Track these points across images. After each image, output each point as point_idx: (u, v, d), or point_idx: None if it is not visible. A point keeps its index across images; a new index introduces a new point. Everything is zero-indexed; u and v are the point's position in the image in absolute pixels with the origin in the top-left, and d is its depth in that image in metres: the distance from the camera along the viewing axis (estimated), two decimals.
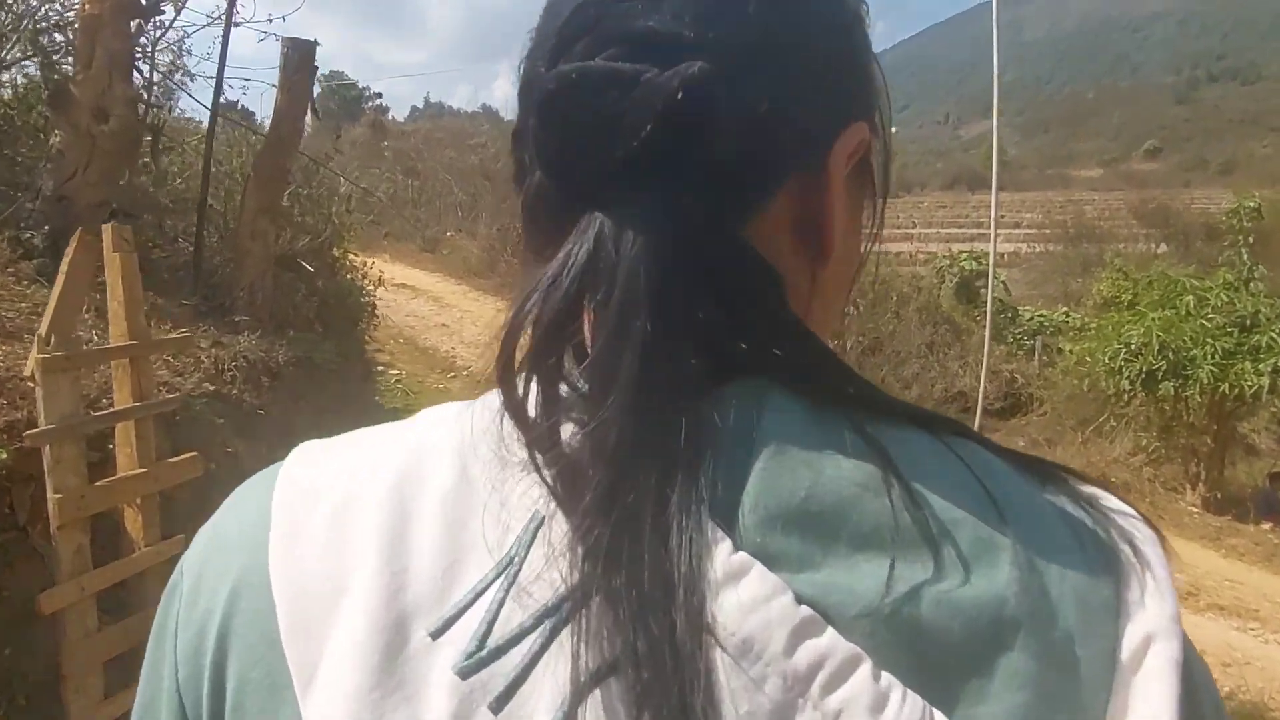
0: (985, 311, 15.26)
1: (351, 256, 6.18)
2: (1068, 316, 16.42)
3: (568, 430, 0.35)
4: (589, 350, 0.36)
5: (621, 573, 0.31)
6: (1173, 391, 9.42)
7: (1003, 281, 16.49)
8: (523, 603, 0.32)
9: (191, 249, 3.57)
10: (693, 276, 0.35)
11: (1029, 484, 0.38)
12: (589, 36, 0.37)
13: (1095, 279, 16.85)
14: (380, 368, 13.85)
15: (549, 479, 0.34)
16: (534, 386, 0.37)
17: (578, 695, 0.30)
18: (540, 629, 0.32)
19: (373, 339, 15.42)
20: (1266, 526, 9.18)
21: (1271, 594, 7.85)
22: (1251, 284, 12.23)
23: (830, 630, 0.31)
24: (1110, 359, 9.82)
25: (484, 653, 0.32)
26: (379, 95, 41.19)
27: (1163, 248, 24.07)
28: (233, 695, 0.36)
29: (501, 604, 0.33)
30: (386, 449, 0.40)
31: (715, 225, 0.36)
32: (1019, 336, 14.66)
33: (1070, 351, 12.82)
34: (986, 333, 5.33)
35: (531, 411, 0.36)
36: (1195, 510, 9.71)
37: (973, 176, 74.40)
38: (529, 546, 0.34)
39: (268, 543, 0.37)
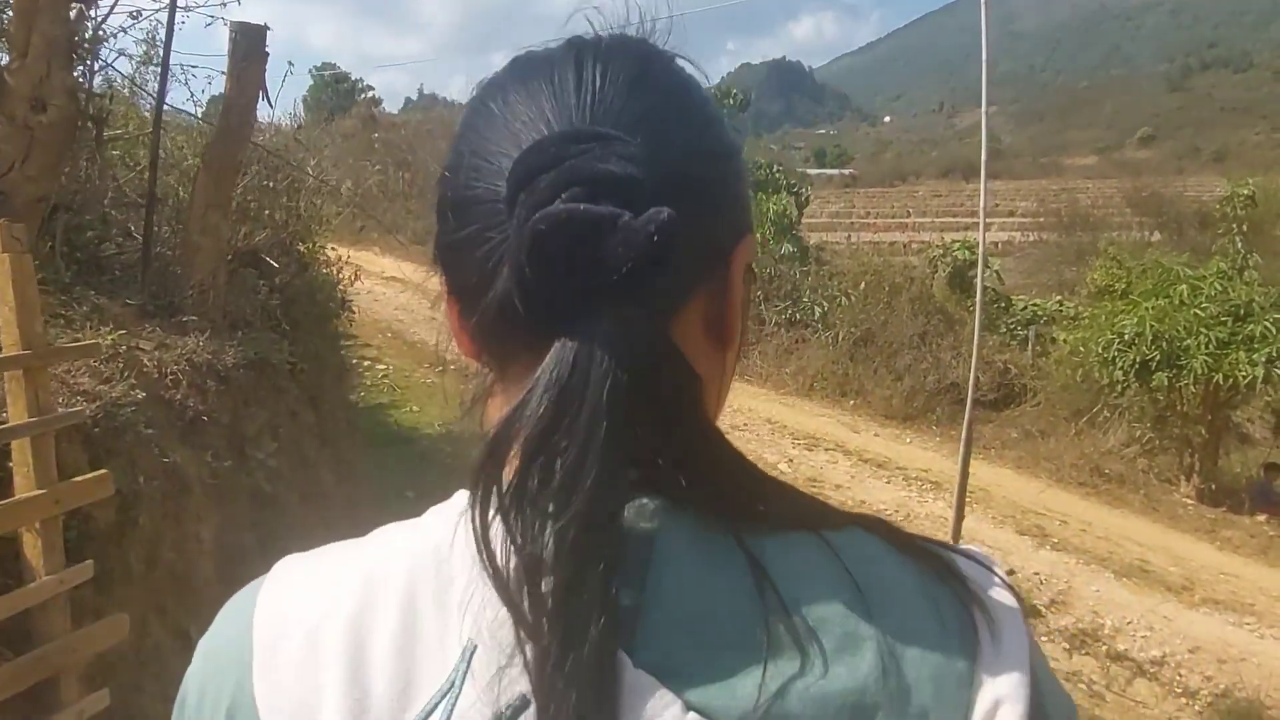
0: (972, 302, 15.15)
1: (328, 250, 5.95)
2: (1061, 306, 16.29)
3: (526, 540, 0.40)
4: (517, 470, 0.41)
5: (556, 702, 0.37)
6: (1166, 382, 9.30)
7: (996, 271, 16.33)
8: (461, 708, 0.40)
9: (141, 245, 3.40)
10: (637, 392, 0.41)
11: (905, 570, 0.44)
12: (553, 173, 0.41)
13: (1089, 267, 16.73)
14: (368, 362, 13.70)
15: (515, 601, 0.39)
16: (508, 513, 0.41)
17: None
18: None
19: (357, 333, 15.24)
20: (1262, 518, 9.07)
21: (1268, 588, 7.74)
22: (1245, 272, 12.11)
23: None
24: (1104, 349, 9.69)
25: None
26: (371, 88, 40.94)
27: (1156, 236, 23.93)
28: None
29: (453, 708, 0.40)
30: (348, 576, 0.47)
31: (653, 334, 0.43)
32: (1012, 326, 14.51)
33: (1064, 341, 12.70)
34: (976, 323, 5.16)
35: (489, 535, 0.41)
36: (1190, 502, 9.60)
37: (967, 165, 74.04)
38: (465, 675, 0.41)
39: (251, 665, 0.45)
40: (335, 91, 41.14)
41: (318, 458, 3.91)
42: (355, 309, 11.42)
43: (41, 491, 2.14)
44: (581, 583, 0.39)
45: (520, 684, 0.39)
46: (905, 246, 23.17)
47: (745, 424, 11.31)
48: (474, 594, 0.41)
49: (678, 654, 0.40)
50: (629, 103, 0.46)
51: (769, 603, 0.40)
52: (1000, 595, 0.44)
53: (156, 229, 3.39)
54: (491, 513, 0.42)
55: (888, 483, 9.67)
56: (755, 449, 10.25)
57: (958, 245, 16.63)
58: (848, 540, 0.44)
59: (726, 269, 0.49)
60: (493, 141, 0.47)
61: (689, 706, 0.39)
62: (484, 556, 0.40)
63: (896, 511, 8.94)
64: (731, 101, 18.82)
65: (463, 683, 0.40)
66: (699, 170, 0.47)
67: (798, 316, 13.84)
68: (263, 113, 4.43)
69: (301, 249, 5.18)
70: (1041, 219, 28.20)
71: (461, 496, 0.49)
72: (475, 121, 0.49)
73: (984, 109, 5.13)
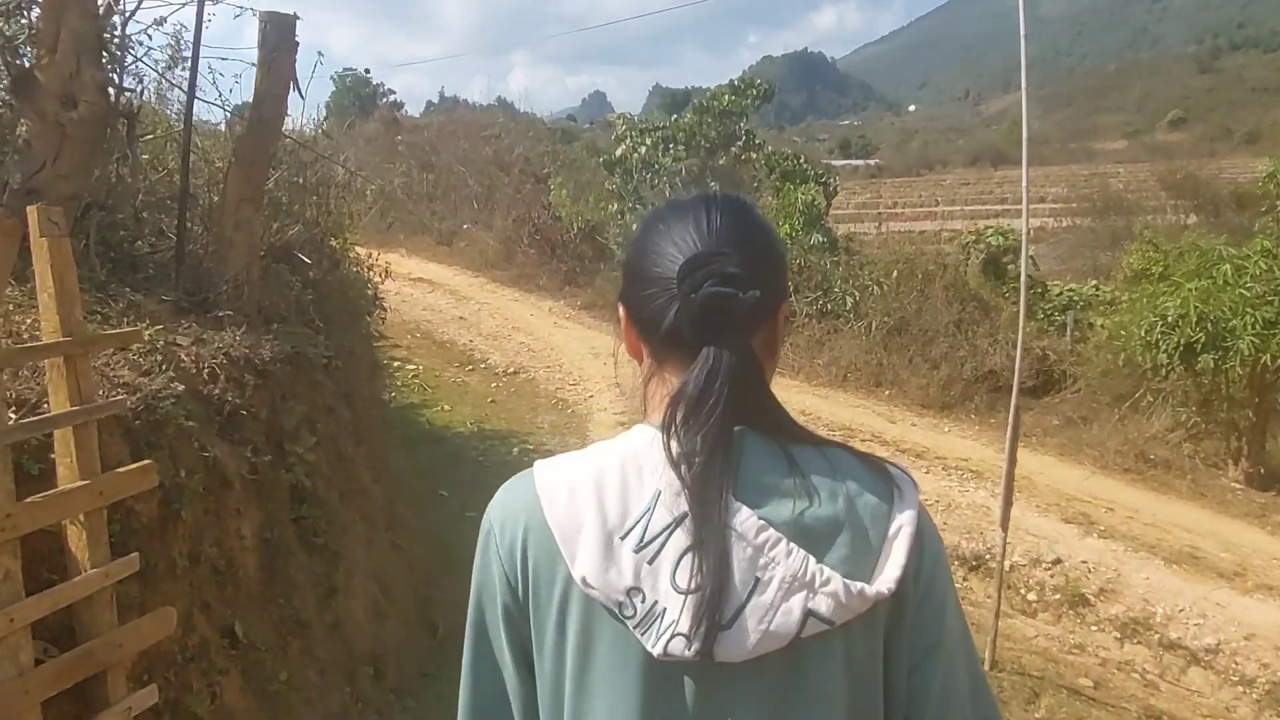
0: (1014, 288, 14.86)
1: (357, 249, 5.90)
2: (1098, 290, 15.97)
3: (681, 451, 0.91)
4: (689, 406, 0.92)
5: (700, 511, 0.87)
6: (1212, 364, 9.03)
7: (1032, 256, 16.03)
8: (655, 524, 0.88)
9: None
10: (740, 376, 0.92)
11: (859, 463, 0.96)
12: (702, 271, 0.92)
13: (1124, 252, 16.40)
14: (398, 362, 13.71)
15: (678, 467, 0.89)
16: (679, 431, 0.91)
17: (680, 557, 0.86)
18: (665, 532, 0.88)
19: (387, 334, 15.28)
20: None
21: None
22: None
23: (771, 528, 0.88)
24: (1146, 332, 9.44)
25: (643, 543, 0.88)
26: (393, 92, 41.10)
27: (1192, 218, 23.41)
28: (532, 570, 0.94)
29: (648, 524, 0.88)
30: (585, 462, 0.96)
31: (747, 349, 0.95)
32: (1049, 312, 14.23)
33: (1102, 326, 12.42)
34: (1022, 308, 5.02)
35: (671, 441, 0.92)
36: (1238, 487, 9.33)
37: (995, 152, 73.17)
38: (655, 503, 0.89)
39: (540, 505, 0.94)
40: (357, 96, 41.33)
41: (354, 454, 3.88)
42: (386, 308, 11.50)
43: (85, 482, 2.08)
44: (712, 461, 0.88)
45: (683, 506, 0.88)
46: (936, 235, 22.84)
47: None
48: (658, 469, 0.90)
49: (753, 495, 0.89)
50: (734, 233, 0.97)
51: (794, 474, 0.91)
52: (905, 480, 0.96)
53: (189, 225, 3.36)
54: (669, 431, 0.91)
55: (927, 472, 9.50)
56: None
57: (991, 231, 16.36)
58: (832, 449, 0.97)
59: (775, 315, 1.03)
60: (663, 247, 0.97)
61: (760, 516, 0.88)
62: (667, 450, 0.90)
63: (938, 501, 8.78)
64: (755, 93, 18.65)
65: (654, 507, 0.89)
66: (767, 268, 0.97)
67: (829, 307, 13.67)
68: (293, 107, 4.40)
69: (333, 245, 5.15)
70: (1074, 204, 27.68)
71: (639, 428, 0.97)
72: (650, 232, 1.01)
73: (1024, 90, 4.98)
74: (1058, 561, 7.75)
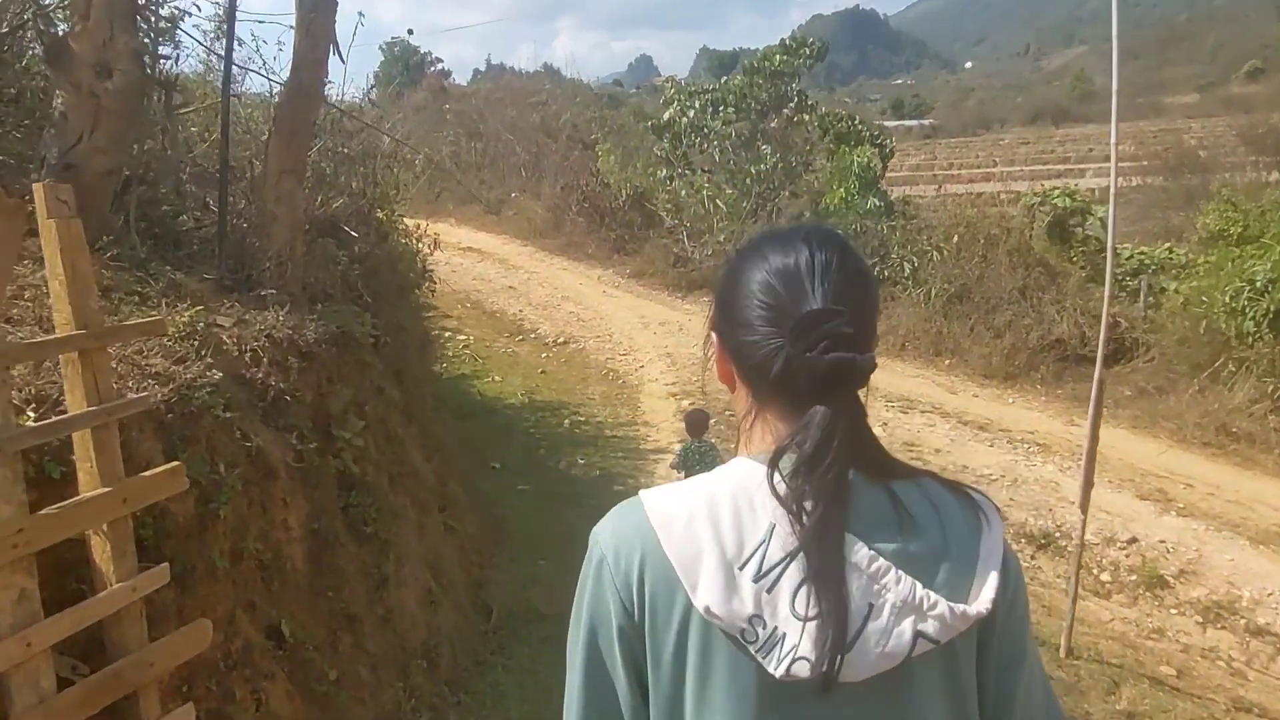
0: (1082, 252, 14.24)
1: (405, 220, 5.71)
2: (1171, 253, 15.24)
3: (792, 489, 0.96)
4: (804, 461, 0.97)
5: (819, 549, 0.92)
6: None
7: (1100, 219, 15.36)
8: (771, 556, 0.94)
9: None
10: (854, 433, 0.98)
11: (950, 494, 1.04)
12: (818, 333, 0.96)
13: (1200, 212, 15.68)
14: (449, 333, 13.67)
15: (792, 509, 0.94)
16: (791, 479, 0.96)
17: (797, 586, 0.92)
18: (781, 564, 0.93)
19: (437, 304, 15.25)
20: None
21: None
22: None
23: (880, 559, 0.95)
24: (1231, 298, 8.92)
25: (761, 573, 0.93)
26: (440, 60, 40.91)
27: (1274, 175, 22.23)
28: (649, 596, 0.96)
29: (764, 556, 0.94)
30: (694, 493, 1.01)
31: (859, 406, 1.01)
32: (1120, 277, 13.60)
33: (1176, 291, 11.84)
34: (1109, 272, 4.69)
35: (778, 483, 0.97)
36: None
37: (1056, 110, 70.53)
38: (770, 535, 0.95)
39: (655, 535, 0.97)
40: (405, 65, 41.30)
41: (404, 434, 3.75)
42: (436, 279, 11.39)
43: (107, 489, 1.91)
44: (831, 508, 0.94)
45: (796, 540, 0.95)
46: (995, 197, 22.01)
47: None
48: (768, 503, 0.97)
49: (863, 530, 0.96)
50: (844, 285, 1.02)
51: (897, 509, 0.99)
52: (990, 507, 1.07)
53: (231, 199, 3.21)
54: (778, 472, 0.97)
55: (991, 446, 9.16)
56: None
57: (1057, 192, 15.68)
58: (924, 481, 1.05)
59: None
60: (767, 291, 1.03)
61: (871, 548, 0.96)
62: (773, 489, 0.97)
63: (1003, 476, 8.45)
64: (808, 52, 18.07)
65: (770, 539, 0.96)
66: (871, 321, 1.07)
67: (886, 274, 13.24)
68: (336, 74, 4.23)
69: (380, 216, 4.98)
70: (1145, 162, 26.51)
71: (742, 461, 1.04)
72: (750, 269, 1.06)
73: (1114, 31, 4.59)
74: (1133, 541, 7.39)
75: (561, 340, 13.05)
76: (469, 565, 3.76)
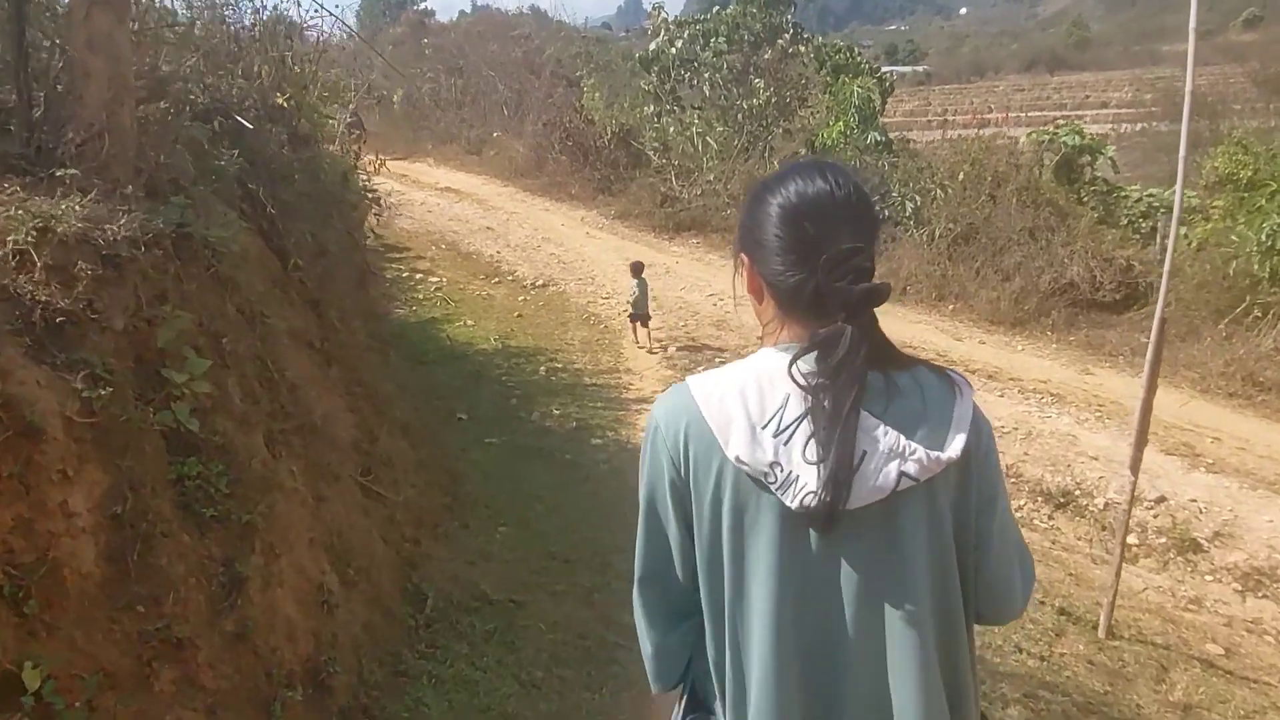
0: (1093, 193, 13.47)
1: (328, 118, 4.63)
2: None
3: (811, 375, 1.23)
4: (825, 357, 1.23)
5: (835, 417, 1.19)
6: None
7: (1111, 158, 14.54)
8: (787, 417, 1.22)
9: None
10: (873, 342, 1.24)
11: (934, 374, 1.30)
12: (847, 265, 1.21)
13: (1207, 155, 14.96)
14: (420, 275, 12.83)
15: (804, 384, 1.22)
16: (821, 377, 1.22)
17: (807, 439, 1.21)
18: (794, 423, 1.22)
19: (410, 246, 14.36)
20: None
21: None
22: None
23: (873, 418, 1.22)
24: (1267, 236, 8.19)
25: (779, 429, 1.22)
26: (433, 12, 38.96)
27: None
28: (693, 455, 1.26)
29: (781, 417, 1.22)
30: (728, 375, 1.28)
31: (875, 318, 1.28)
32: (1131, 219, 12.85)
33: (1186, 236, 11.16)
34: (1176, 205, 3.93)
35: (797, 373, 1.22)
36: None
37: (1052, 57, 69.09)
38: (786, 402, 1.23)
39: (698, 407, 1.26)
40: (389, 5, 39.69)
41: (313, 380, 2.99)
42: (393, 210, 10.37)
43: None
44: (851, 392, 1.19)
45: (807, 404, 1.21)
46: (999, 138, 21.08)
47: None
48: (787, 379, 1.22)
49: (868, 402, 1.21)
50: (863, 220, 1.26)
51: (888, 386, 1.24)
52: (964, 383, 1.31)
53: (34, 49, 2.35)
54: (801, 359, 1.22)
55: (1001, 396, 8.47)
56: None
57: (1065, 130, 14.83)
58: (916, 367, 1.29)
59: None
60: (793, 223, 1.25)
61: (867, 410, 1.21)
62: (793, 371, 1.22)
63: (1016, 429, 7.77)
64: None
65: (786, 404, 1.22)
66: (879, 248, 1.31)
67: (886, 213, 12.43)
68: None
69: (293, 111, 4.07)
70: (1153, 108, 25.64)
71: (766, 351, 1.29)
72: (774, 202, 1.28)
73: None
74: (1161, 500, 6.75)
75: (540, 283, 12.24)
76: (400, 542, 3.04)
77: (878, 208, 1.89)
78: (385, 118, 25.26)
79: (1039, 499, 7.02)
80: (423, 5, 38.87)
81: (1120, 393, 8.62)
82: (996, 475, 1.32)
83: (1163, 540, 6.42)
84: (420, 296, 11.32)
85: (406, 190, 19.04)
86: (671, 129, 17.66)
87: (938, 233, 11.58)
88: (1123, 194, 13.98)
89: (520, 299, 11.51)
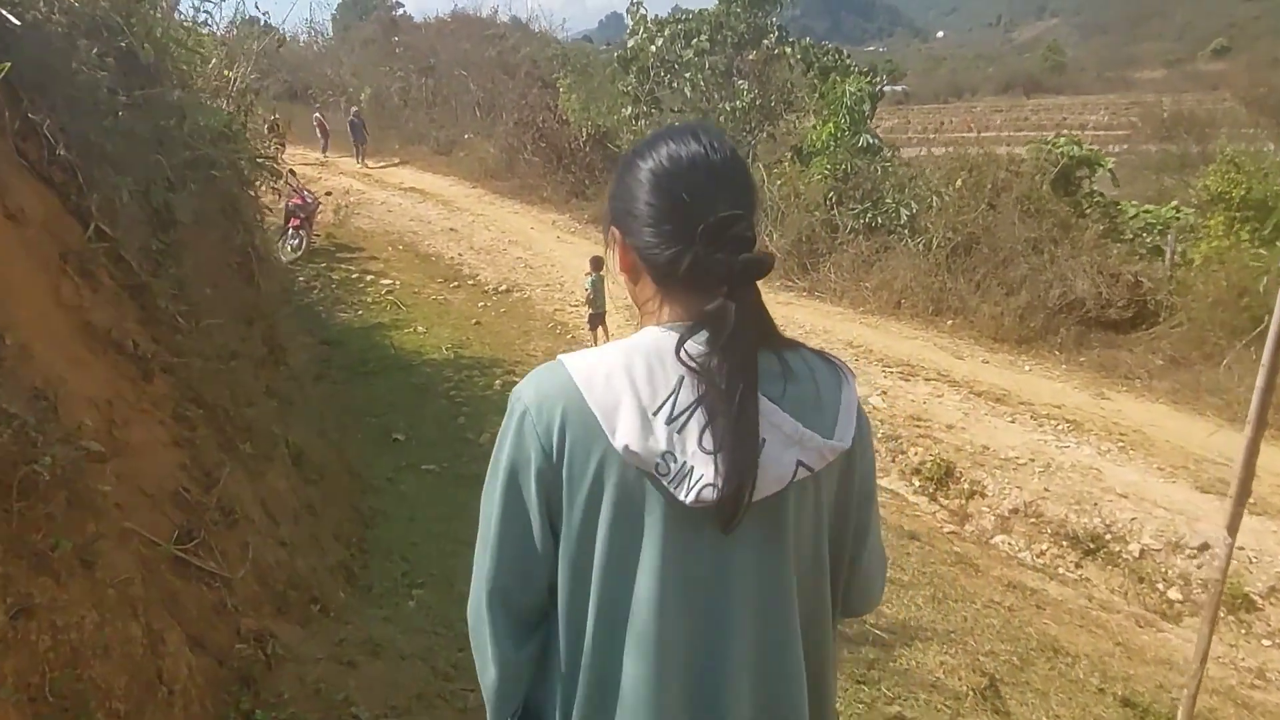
0: (1096, 204, 12.72)
1: (193, 52, 3.45)
2: (1178, 212, 13.77)
3: (702, 355, 1.08)
4: (714, 337, 1.09)
5: (732, 400, 1.06)
6: None
7: (1110, 170, 13.81)
8: (680, 403, 1.07)
9: None
10: (760, 317, 1.13)
11: (821, 360, 1.17)
12: (727, 234, 1.08)
13: (1196, 175, 14.43)
14: (370, 276, 11.76)
15: (697, 366, 1.07)
16: (709, 356, 1.08)
17: (703, 427, 1.06)
18: (689, 409, 1.07)
19: (364, 246, 13.28)
20: None
21: None
22: None
23: (770, 402, 1.09)
24: None
25: (672, 416, 1.07)
26: (401, 4, 37.74)
27: (1270, 146, 21.01)
28: (569, 443, 1.08)
29: (674, 403, 1.07)
30: (611, 354, 1.11)
31: (758, 292, 1.14)
32: (1137, 232, 12.09)
33: (1185, 255, 10.50)
34: None
35: (685, 355, 1.09)
36: None
37: (1028, 80, 69.42)
38: (679, 387, 1.08)
39: (578, 388, 1.09)
40: (365, 10, 38.70)
41: (126, 395, 2.01)
42: (349, 208, 9.10)
43: None
44: (746, 370, 1.07)
45: (701, 388, 1.07)
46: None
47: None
48: (676, 364, 1.08)
49: (764, 385, 1.08)
50: (741, 188, 1.14)
51: (783, 368, 1.11)
52: (846, 369, 1.18)
53: None
54: (690, 341, 1.09)
55: (1012, 422, 7.58)
56: None
57: (1063, 140, 14.11)
58: (803, 350, 1.16)
59: None
60: (666, 192, 1.13)
61: (763, 395, 1.08)
62: (681, 350, 1.08)
63: (1032, 460, 6.87)
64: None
65: (679, 389, 1.07)
66: (758, 218, 1.16)
67: (879, 221, 11.58)
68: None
69: (128, 34, 3.05)
70: (1145, 129, 25.31)
71: (650, 329, 1.14)
72: (646, 168, 1.15)
73: None
74: (1205, 547, 5.86)
75: (504, 288, 11.23)
76: (230, 642, 2.01)
77: (755, 174, 1.48)
78: (341, 116, 24.13)
79: (1064, 543, 6.11)
80: (401, 12, 37.57)
81: (1141, 420, 7.77)
82: (873, 466, 1.25)
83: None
84: (369, 300, 10.27)
85: (367, 189, 17.99)
86: (649, 131, 16.75)
87: (935, 242, 10.72)
88: (1122, 208, 13.27)
89: (480, 305, 10.49)
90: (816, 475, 1.11)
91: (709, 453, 1.05)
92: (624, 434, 1.05)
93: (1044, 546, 6.14)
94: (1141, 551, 5.90)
